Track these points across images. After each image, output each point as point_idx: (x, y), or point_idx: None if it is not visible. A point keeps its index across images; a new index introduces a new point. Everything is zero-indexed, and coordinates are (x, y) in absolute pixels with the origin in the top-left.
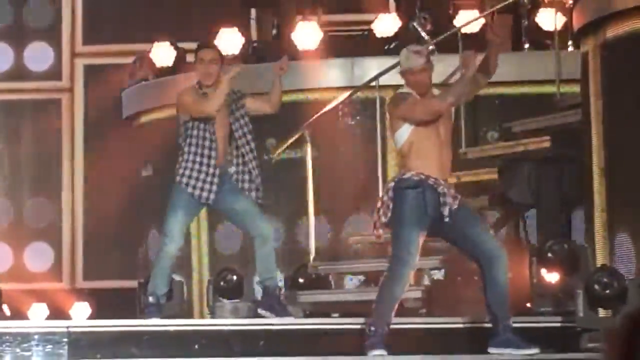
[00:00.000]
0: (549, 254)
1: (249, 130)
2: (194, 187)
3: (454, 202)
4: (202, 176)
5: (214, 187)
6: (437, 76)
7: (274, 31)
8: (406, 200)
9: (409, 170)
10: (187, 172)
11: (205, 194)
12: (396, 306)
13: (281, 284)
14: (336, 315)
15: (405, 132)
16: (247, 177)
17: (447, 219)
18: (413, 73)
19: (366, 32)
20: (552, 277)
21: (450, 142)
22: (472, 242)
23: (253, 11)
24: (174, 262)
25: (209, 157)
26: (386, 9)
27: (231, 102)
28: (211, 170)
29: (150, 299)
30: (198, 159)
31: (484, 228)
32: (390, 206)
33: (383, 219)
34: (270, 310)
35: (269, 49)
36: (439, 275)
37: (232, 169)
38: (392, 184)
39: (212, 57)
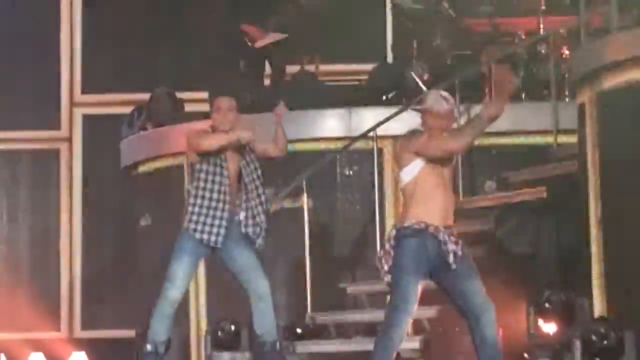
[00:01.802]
0: (547, 305)
1: (257, 175)
2: (202, 232)
3: (457, 247)
4: (210, 220)
5: (222, 231)
6: None
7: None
8: (406, 249)
9: (410, 218)
10: (195, 218)
11: (213, 238)
12: (394, 355)
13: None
14: None
15: (413, 169)
16: (251, 222)
17: (453, 266)
18: (435, 116)
19: (364, 82)
20: (549, 327)
21: (452, 187)
22: (464, 295)
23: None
24: (175, 309)
25: (218, 200)
26: (384, 59)
27: (241, 147)
28: (219, 214)
29: (149, 347)
30: (206, 202)
31: (477, 282)
32: (392, 254)
33: (385, 267)
34: None
35: (264, 99)
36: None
37: (242, 215)
38: (394, 232)
39: (230, 105)
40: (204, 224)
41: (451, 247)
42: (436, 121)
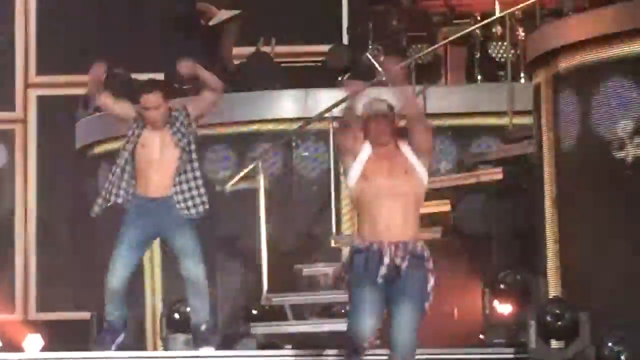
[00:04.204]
0: (502, 285)
1: (190, 149)
2: (110, 194)
3: (402, 261)
4: (116, 181)
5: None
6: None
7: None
8: (352, 264)
9: (358, 236)
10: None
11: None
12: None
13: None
14: (289, 347)
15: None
16: (187, 194)
17: (379, 280)
18: (372, 119)
19: (319, 63)
20: (504, 308)
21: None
22: (392, 324)
23: None
24: (125, 289)
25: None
26: (339, 41)
27: (172, 123)
28: (122, 174)
29: (105, 324)
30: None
31: (409, 317)
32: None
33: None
34: (206, 344)
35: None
36: None
37: (172, 190)
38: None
39: (158, 102)
40: (112, 185)
41: (386, 260)
42: (372, 124)
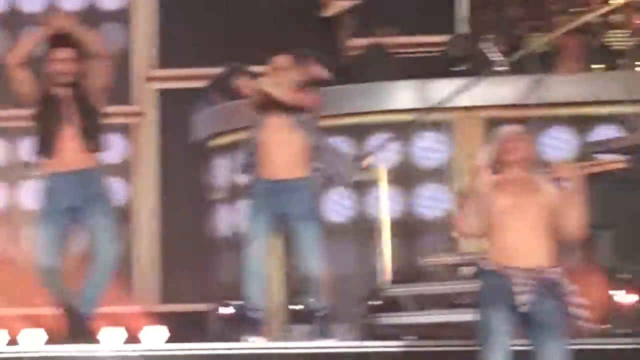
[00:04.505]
0: (627, 275)
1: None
2: None
3: (529, 293)
4: None
5: None
6: (505, 98)
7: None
8: (484, 282)
9: (488, 255)
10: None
11: None
12: None
13: None
14: (412, 338)
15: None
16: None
17: (520, 309)
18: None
19: (438, 54)
20: (629, 298)
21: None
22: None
23: None
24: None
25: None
26: (453, 31)
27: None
28: None
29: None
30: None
31: (555, 344)
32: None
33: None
34: (327, 335)
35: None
36: None
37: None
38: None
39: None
40: None
41: (520, 288)
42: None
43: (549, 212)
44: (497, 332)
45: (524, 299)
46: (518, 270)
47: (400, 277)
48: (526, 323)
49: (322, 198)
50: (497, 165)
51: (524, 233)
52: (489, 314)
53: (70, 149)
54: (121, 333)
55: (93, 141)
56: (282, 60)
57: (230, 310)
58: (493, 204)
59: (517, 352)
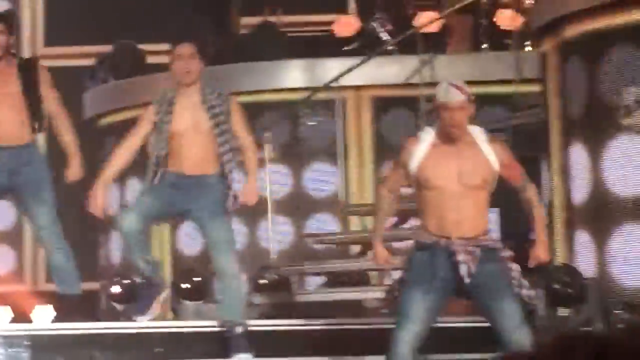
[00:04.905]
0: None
1: None
2: None
3: (471, 260)
4: None
5: None
6: (394, 78)
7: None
8: (413, 263)
9: (423, 229)
10: None
11: None
12: None
13: None
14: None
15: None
16: None
17: (467, 280)
18: (448, 109)
19: (326, 33)
20: None
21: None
22: (493, 316)
23: None
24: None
25: None
26: (345, 10)
27: None
28: None
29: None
30: None
31: (508, 299)
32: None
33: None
34: (243, 350)
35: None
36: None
37: None
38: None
39: (192, 52)
40: None
41: (462, 257)
42: (451, 114)
43: (487, 179)
44: (414, 313)
45: (468, 269)
46: (459, 240)
47: (288, 256)
48: (471, 294)
49: None
50: (436, 134)
51: (462, 202)
52: (412, 292)
53: None
54: (8, 312)
55: None
56: (185, 48)
57: (119, 288)
58: (428, 173)
59: (475, 329)
